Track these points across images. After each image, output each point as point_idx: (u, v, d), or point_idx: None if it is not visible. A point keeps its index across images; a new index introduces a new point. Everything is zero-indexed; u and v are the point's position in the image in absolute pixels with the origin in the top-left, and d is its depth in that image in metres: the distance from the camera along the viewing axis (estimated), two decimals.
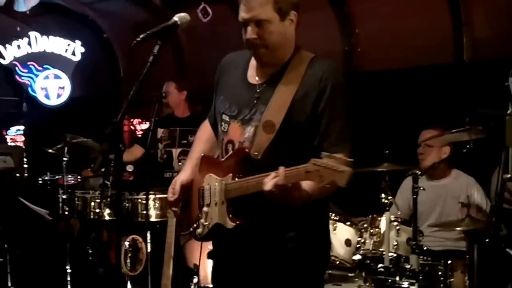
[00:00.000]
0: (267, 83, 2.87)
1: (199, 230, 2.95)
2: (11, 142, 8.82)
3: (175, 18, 2.81)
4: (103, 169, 5.40)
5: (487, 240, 3.51)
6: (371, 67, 6.91)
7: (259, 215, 2.79)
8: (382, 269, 4.35)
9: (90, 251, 6.08)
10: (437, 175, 5.14)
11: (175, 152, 6.04)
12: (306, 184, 2.61)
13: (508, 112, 2.24)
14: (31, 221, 5.95)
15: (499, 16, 6.05)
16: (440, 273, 4.47)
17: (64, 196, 5.97)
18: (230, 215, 2.78)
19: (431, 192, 5.11)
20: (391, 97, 6.46)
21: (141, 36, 2.73)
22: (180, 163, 5.86)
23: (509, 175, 2.28)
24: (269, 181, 2.54)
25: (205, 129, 3.24)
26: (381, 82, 6.66)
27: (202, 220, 2.92)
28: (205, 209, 2.91)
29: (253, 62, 2.96)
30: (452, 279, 4.39)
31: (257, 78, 2.92)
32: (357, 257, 4.50)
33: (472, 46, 6.16)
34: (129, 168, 5.98)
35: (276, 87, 2.82)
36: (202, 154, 3.07)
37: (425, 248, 4.44)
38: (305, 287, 2.90)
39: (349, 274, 4.56)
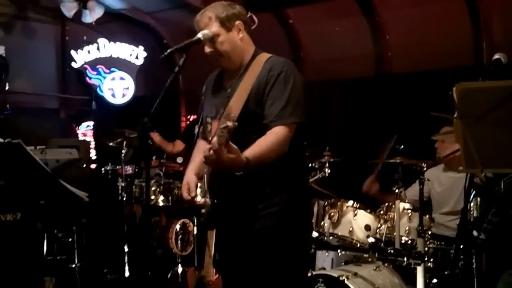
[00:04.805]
0: (234, 83, 3.13)
1: (202, 219, 3.18)
2: (82, 136, 9.08)
3: (199, 35, 3.08)
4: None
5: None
6: (400, 69, 7.01)
7: (237, 193, 3.06)
8: (392, 251, 4.52)
9: (148, 234, 6.16)
10: (454, 167, 5.15)
11: None
12: (247, 151, 2.82)
13: (455, 116, 2.48)
14: (99, 206, 6.22)
15: None
16: (452, 257, 4.60)
17: (123, 184, 6.24)
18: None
19: (447, 183, 5.23)
20: (417, 96, 6.54)
21: (168, 50, 3.00)
22: None
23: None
24: (206, 150, 2.74)
25: (199, 144, 3.44)
26: (408, 82, 6.76)
27: (203, 210, 3.14)
28: (201, 199, 3.14)
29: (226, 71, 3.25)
30: (462, 262, 4.55)
31: (228, 81, 3.20)
32: (371, 240, 4.65)
33: (490, 50, 6.23)
34: (179, 159, 6.22)
35: (239, 84, 3.08)
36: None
37: (429, 233, 4.58)
38: (289, 260, 3.10)
39: (364, 255, 4.73)
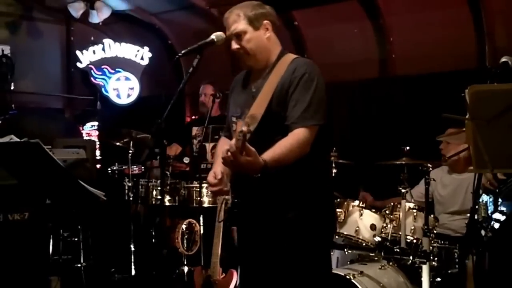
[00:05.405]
0: (259, 84, 3.17)
1: (221, 215, 3.28)
2: (86, 136, 9.04)
3: (212, 36, 3.14)
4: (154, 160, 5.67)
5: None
6: (404, 71, 7.06)
7: (258, 195, 3.09)
8: (398, 250, 4.57)
9: (154, 234, 6.32)
10: (458, 169, 5.26)
11: (209, 146, 6.22)
12: (266, 154, 2.86)
13: (467, 117, 2.55)
14: (102, 205, 6.21)
15: None
16: (455, 256, 4.70)
17: (129, 184, 6.26)
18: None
19: (452, 184, 5.31)
20: (421, 98, 6.61)
21: (183, 51, 3.03)
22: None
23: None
24: (224, 151, 2.77)
25: (222, 141, 3.48)
26: (412, 85, 6.81)
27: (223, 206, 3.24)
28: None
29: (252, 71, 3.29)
30: (467, 261, 4.54)
31: (253, 81, 3.23)
32: (377, 239, 4.73)
33: (493, 54, 6.30)
34: (186, 160, 6.24)
35: (264, 84, 3.11)
36: None
37: (435, 232, 4.64)
38: (310, 261, 3.12)
39: (370, 254, 4.80)
